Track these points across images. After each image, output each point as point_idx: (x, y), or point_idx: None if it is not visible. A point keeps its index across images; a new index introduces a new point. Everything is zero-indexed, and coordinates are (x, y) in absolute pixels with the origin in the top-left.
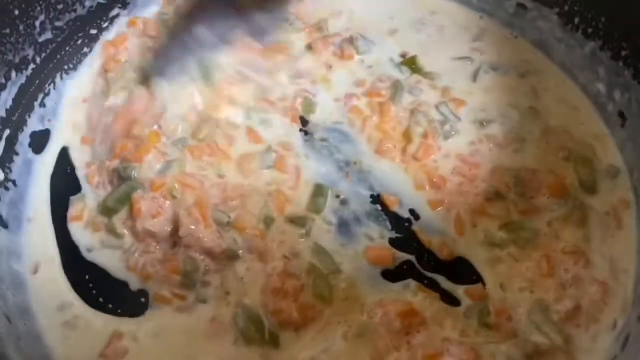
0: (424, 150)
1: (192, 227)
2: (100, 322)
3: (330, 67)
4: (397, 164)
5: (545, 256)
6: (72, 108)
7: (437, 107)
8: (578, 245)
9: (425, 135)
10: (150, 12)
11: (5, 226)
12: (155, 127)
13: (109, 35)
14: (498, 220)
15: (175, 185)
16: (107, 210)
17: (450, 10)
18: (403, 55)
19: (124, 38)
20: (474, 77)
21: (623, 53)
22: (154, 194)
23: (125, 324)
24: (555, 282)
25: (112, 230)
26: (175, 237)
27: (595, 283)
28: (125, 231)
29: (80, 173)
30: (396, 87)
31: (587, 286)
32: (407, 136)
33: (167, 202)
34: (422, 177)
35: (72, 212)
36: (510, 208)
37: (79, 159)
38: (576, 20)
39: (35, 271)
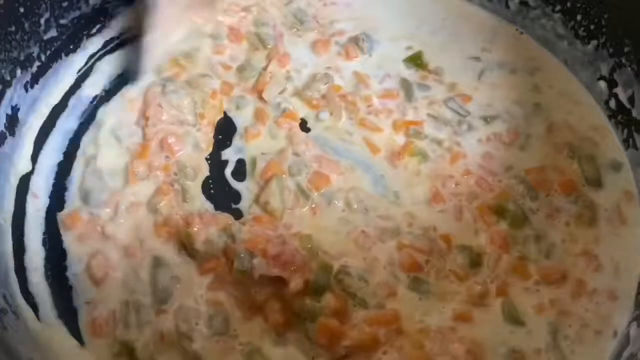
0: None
1: None
2: None
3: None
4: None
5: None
6: None
7: (445, 102)
8: (590, 246)
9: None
10: None
11: None
12: None
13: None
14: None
15: None
16: None
17: (457, 5)
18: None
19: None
20: (480, 74)
21: (625, 49)
22: None
23: None
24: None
25: None
26: None
27: (605, 293)
28: None
29: None
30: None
31: (597, 297)
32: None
33: None
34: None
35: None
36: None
37: None
38: (578, 17)
39: None
